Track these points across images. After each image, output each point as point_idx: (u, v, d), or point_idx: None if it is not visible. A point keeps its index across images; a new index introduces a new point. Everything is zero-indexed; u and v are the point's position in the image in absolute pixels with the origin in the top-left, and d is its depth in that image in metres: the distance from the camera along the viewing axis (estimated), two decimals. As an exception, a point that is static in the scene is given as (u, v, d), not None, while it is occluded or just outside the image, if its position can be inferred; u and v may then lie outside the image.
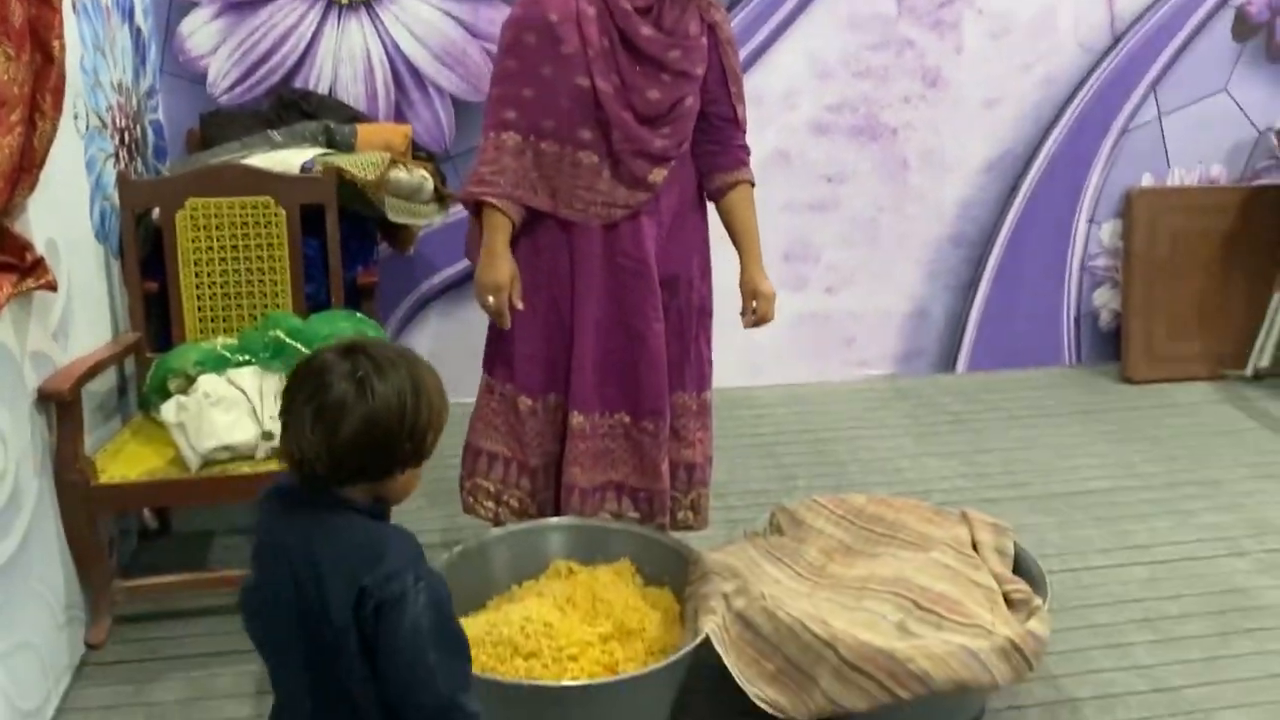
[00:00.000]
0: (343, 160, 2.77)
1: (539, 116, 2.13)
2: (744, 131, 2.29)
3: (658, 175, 2.19)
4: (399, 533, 1.26)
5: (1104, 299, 4.03)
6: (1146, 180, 3.91)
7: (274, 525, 1.28)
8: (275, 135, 2.98)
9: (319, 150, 2.91)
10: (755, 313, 2.27)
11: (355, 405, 1.19)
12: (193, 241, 2.62)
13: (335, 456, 1.19)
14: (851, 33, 3.60)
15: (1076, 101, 3.77)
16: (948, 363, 3.98)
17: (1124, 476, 3.11)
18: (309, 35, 3.27)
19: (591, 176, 2.16)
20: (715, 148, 2.27)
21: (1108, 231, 3.95)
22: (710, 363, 2.38)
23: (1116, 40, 3.73)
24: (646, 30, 2.11)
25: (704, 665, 1.96)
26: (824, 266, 3.81)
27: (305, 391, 1.21)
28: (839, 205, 3.76)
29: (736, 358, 3.52)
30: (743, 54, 3.31)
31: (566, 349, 2.26)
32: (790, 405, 3.69)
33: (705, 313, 2.35)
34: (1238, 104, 3.88)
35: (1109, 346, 4.04)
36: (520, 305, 2.20)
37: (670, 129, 2.18)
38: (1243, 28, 3.81)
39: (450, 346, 3.59)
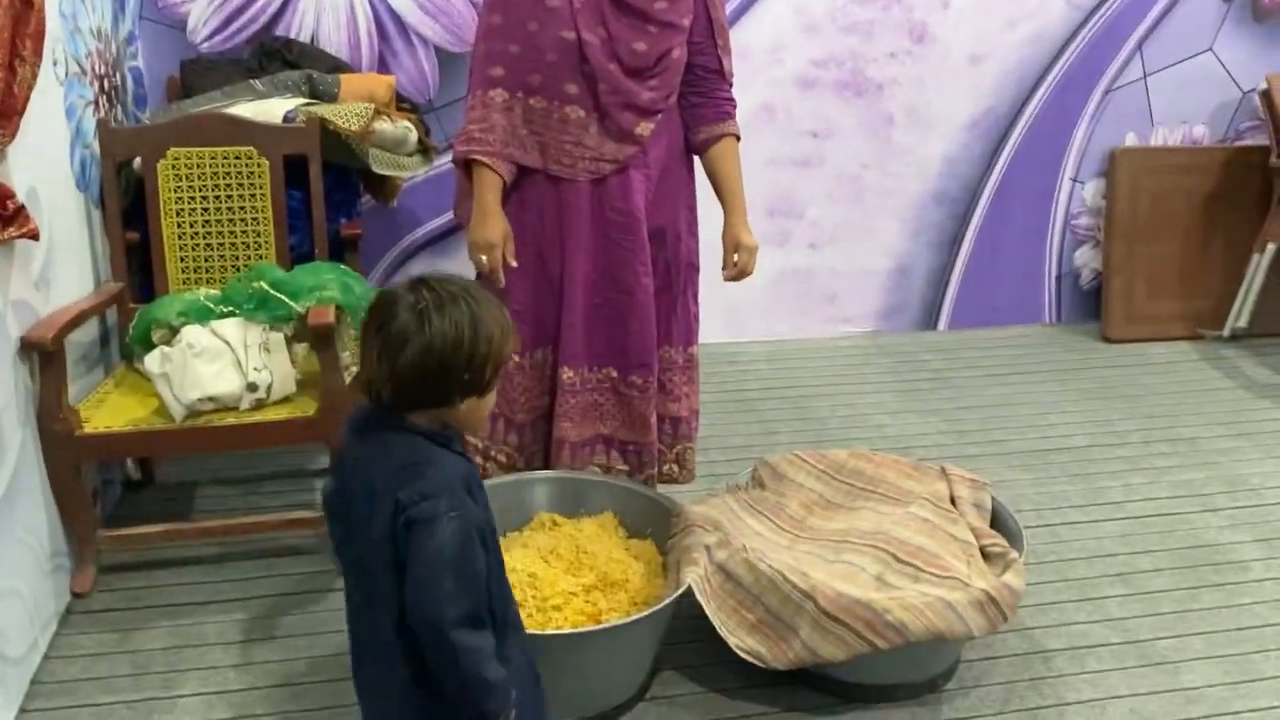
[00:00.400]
0: (326, 110, 2.74)
1: (526, 72, 2.12)
2: (730, 84, 2.28)
3: (645, 128, 2.18)
4: (448, 459, 1.33)
5: (1085, 258, 4.05)
6: (1130, 140, 3.92)
7: (349, 441, 1.39)
8: (257, 84, 2.94)
9: (302, 100, 2.87)
10: (736, 265, 2.27)
11: (414, 335, 1.27)
12: (174, 191, 2.60)
13: (397, 383, 1.29)
14: None
15: (1063, 59, 3.76)
16: (929, 320, 4.00)
17: (1101, 434, 3.16)
18: None
19: (579, 131, 2.16)
20: (700, 100, 2.27)
21: (1090, 191, 3.97)
22: (697, 318, 2.39)
23: (1104, -2, 3.73)
24: None
25: (686, 615, 2.00)
26: (807, 223, 3.82)
27: (374, 323, 1.31)
28: (823, 161, 3.76)
29: (720, 313, 3.53)
30: (729, 6, 3.31)
31: (555, 304, 2.26)
32: (773, 361, 3.71)
33: (693, 267, 2.36)
34: (1223, 64, 3.88)
35: (1089, 306, 4.08)
36: (514, 263, 2.20)
37: (657, 81, 2.17)
38: (1230, -13, 3.80)
39: (434, 300, 3.59)
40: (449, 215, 3.48)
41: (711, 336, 3.18)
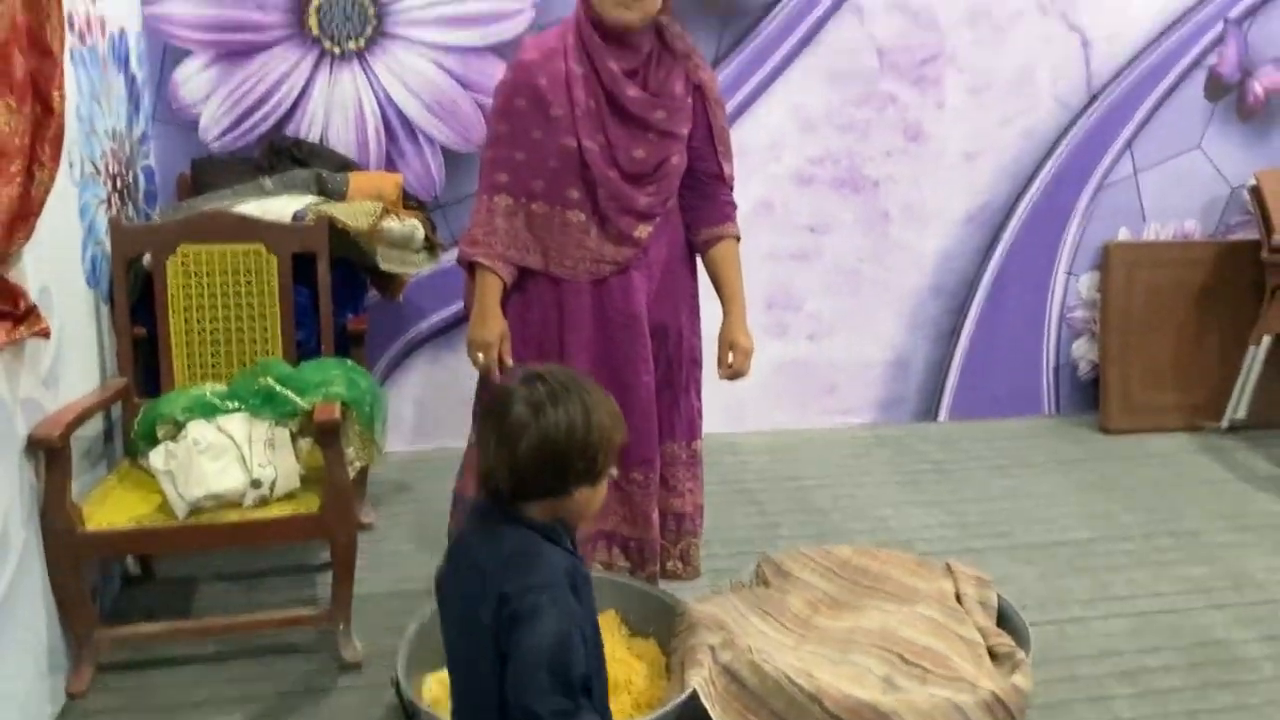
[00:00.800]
0: (335, 209, 2.80)
1: (529, 178, 2.18)
2: (731, 187, 2.34)
3: (644, 231, 2.23)
4: (556, 555, 1.40)
5: (1082, 350, 4.09)
6: (1123, 234, 3.99)
7: (465, 531, 1.49)
8: (267, 182, 3.00)
9: (311, 198, 2.93)
10: (731, 366, 2.30)
11: (530, 427, 1.36)
12: (183, 288, 2.64)
13: (514, 474, 1.37)
14: (835, 88, 3.67)
15: (1055, 156, 3.85)
16: (929, 411, 4.02)
17: (1104, 527, 3.15)
18: (301, 84, 3.30)
19: (580, 234, 2.20)
20: (702, 202, 2.32)
21: (1085, 284, 4.02)
22: (700, 413, 2.40)
23: (1093, 98, 3.83)
24: (633, 91, 2.16)
25: (692, 719, 1.97)
26: (806, 314, 3.86)
27: (492, 418, 1.38)
28: (821, 254, 3.82)
29: (720, 403, 3.54)
30: (728, 107, 3.38)
31: (556, 401, 2.28)
32: (773, 452, 3.72)
33: (695, 363, 2.38)
34: (1211, 161, 3.97)
35: (1087, 397, 4.10)
36: (510, 362, 2.23)
37: (655, 187, 2.23)
38: (1215, 88, 3.91)
39: (438, 392, 3.62)
40: (454, 307, 3.53)
41: (712, 427, 3.19)
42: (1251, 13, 3.87)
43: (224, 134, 3.29)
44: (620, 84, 2.16)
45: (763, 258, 3.70)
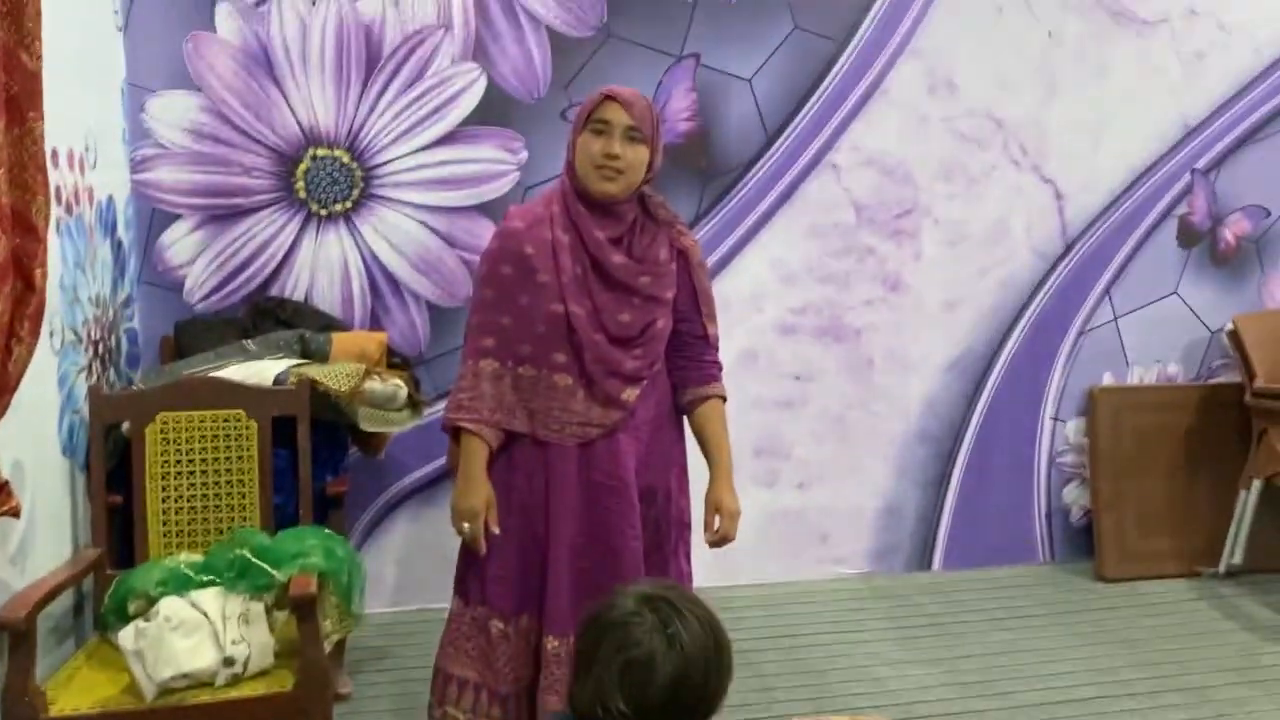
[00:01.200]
0: (317, 371, 2.79)
1: (516, 342, 2.18)
2: (715, 348, 2.33)
3: (631, 394, 2.22)
4: None
5: (1074, 496, 4.05)
6: (1107, 379, 4.00)
7: None
8: (250, 345, 3.00)
9: (293, 361, 2.93)
10: (718, 530, 2.25)
11: (665, 661, 1.22)
12: (161, 455, 2.59)
13: (641, 713, 1.22)
14: (814, 241, 3.73)
15: (1034, 304, 3.90)
16: (923, 560, 3.95)
17: (1107, 683, 3.05)
18: (287, 245, 3.33)
19: (566, 397, 2.19)
20: (687, 363, 2.31)
21: (1073, 429, 4.01)
22: (690, 577, 2.35)
23: (1069, 247, 3.90)
24: (618, 258, 2.18)
25: None
26: (795, 462, 3.83)
27: (611, 644, 1.25)
28: (807, 402, 3.81)
29: (710, 556, 3.46)
30: (710, 261, 3.42)
31: (540, 568, 2.22)
32: (766, 606, 3.63)
33: (684, 525, 2.34)
34: (1189, 306, 4.03)
35: (1081, 543, 4.04)
36: (496, 530, 2.18)
37: (642, 350, 2.22)
38: (1187, 235, 4.00)
39: (420, 551, 3.53)
40: (437, 463, 3.48)
41: (702, 580, 3.11)
42: (1217, 164, 3.99)
43: (208, 295, 3.30)
44: (605, 251, 2.18)
45: (749, 406, 3.69)
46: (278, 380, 2.78)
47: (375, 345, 3.12)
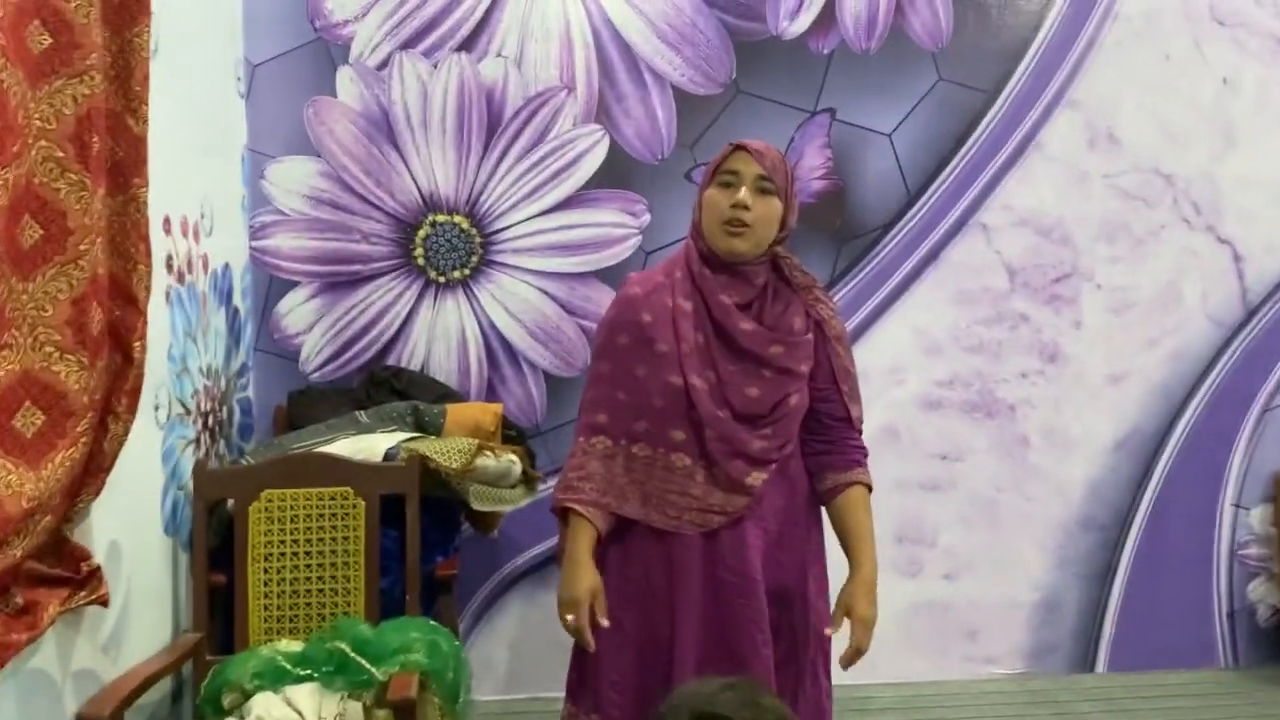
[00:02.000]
0: (428, 446, 2.64)
1: (631, 419, 1.98)
2: (859, 431, 2.09)
3: (757, 478, 1.98)
4: None
5: (1261, 593, 3.60)
6: (1297, 461, 3.57)
7: None
8: (362, 416, 2.89)
9: (405, 434, 2.80)
10: (849, 644, 1.96)
11: None
12: (265, 535, 2.47)
13: None
14: (962, 307, 3.45)
15: (1211, 377, 3.51)
16: (1085, 661, 3.55)
17: (1317, 822, 2.62)
18: (404, 313, 3.24)
19: (684, 480, 1.97)
20: (827, 447, 2.06)
21: (1258, 516, 3.58)
22: (830, 695, 2.08)
23: (1250, 314, 3.52)
24: (746, 325, 1.97)
25: None
26: (940, 551, 3.51)
27: None
28: (954, 485, 3.50)
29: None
30: (847, 329, 3.18)
31: (663, 676, 1.98)
32: (908, 709, 3.29)
33: (824, 635, 2.06)
34: (1393, 380, 3.57)
35: (1271, 646, 3.58)
36: (605, 622, 1.95)
37: (771, 429, 1.99)
38: (1390, 300, 3.56)
39: (533, 634, 3.33)
40: (551, 541, 3.26)
41: (839, 678, 2.85)
42: None
43: (324, 365, 3.22)
44: (733, 317, 1.96)
45: (890, 489, 3.38)
46: (388, 456, 2.65)
47: (490, 417, 2.98)
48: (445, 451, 2.63)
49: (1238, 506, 3.57)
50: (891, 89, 3.37)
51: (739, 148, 1.96)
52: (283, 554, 2.47)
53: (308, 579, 2.48)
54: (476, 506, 2.72)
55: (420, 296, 3.24)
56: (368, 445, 2.69)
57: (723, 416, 1.96)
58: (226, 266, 2.88)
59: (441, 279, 3.25)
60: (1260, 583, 3.61)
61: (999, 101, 3.40)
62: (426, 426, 2.89)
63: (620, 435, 1.99)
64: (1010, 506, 3.52)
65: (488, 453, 2.73)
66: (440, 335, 3.26)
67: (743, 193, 1.92)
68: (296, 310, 3.21)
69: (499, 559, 3.35)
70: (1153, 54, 3.44)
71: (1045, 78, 3.41)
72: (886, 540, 3.31)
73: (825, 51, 3.33)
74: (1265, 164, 3.50)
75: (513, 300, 3.28)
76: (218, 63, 2.89)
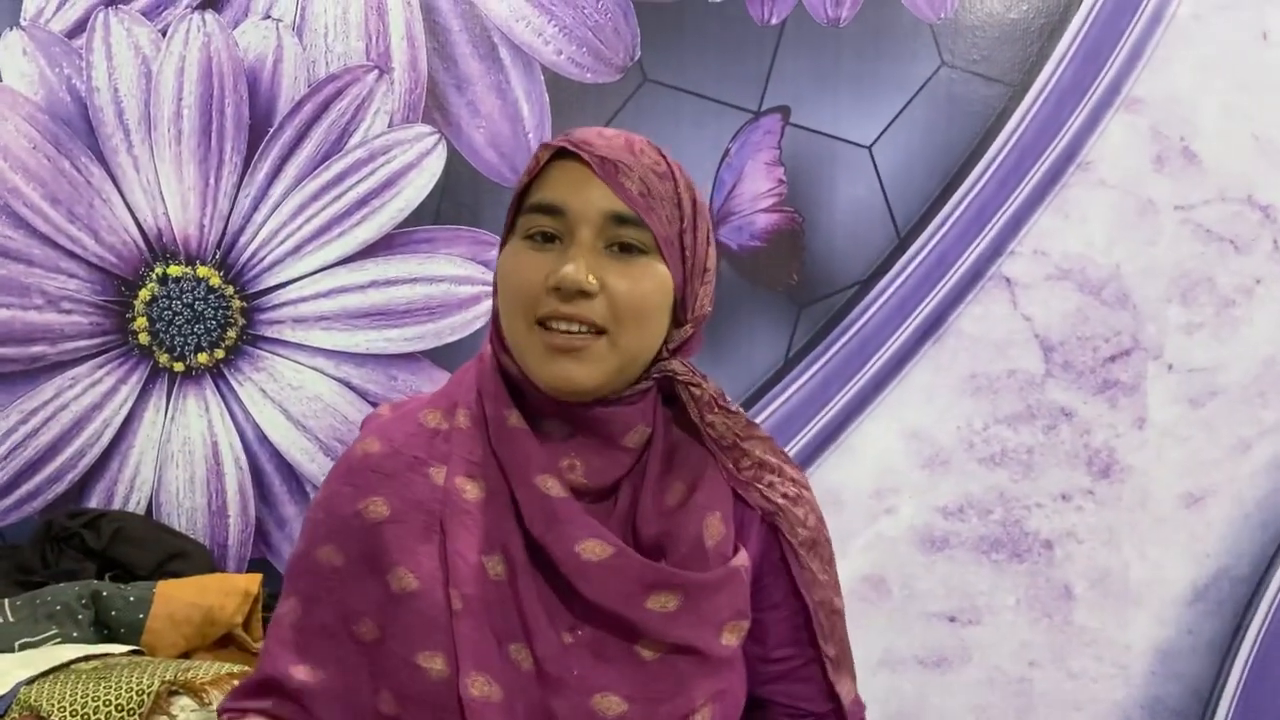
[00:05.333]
0: (62, 692, 1.51)
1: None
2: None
3: None
4: None
5: (1403, 807, 2.66)
6: None
7: None
8: (6, 608, 1.82)
9: (70, 647, 1.75)
10: None
11: None
12: None
13: None
14: (976, 400, 2.56)
15: (1329, 497, 2.62)
16: None
17: None
18: (119, 421, 2.25)
19: None
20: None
21: (1394, 694, 2.65)
22: None
23: (1382, 404, 2.61)
24: (596, 546, 1.13)
25: None
26: (947, 753, 2.57)
27: None
28: (967, 658, 2.61)
29: None
30: (807, 436, 2.59)
31: None
32: None
33: None
34: None
35: None
36: None
37: None
38: None
39: None
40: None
41: None
42: None
43: (-17, 505, 2.13)
44: (567, 527, 1.04)
45: (874, 666, 2.51)
46: (3, 700, 1.55)
47: (237, 598, 1.92)
48: (98, 698, 1.50)
49: (1365, 680, 2.64)
50: (873, 79, 2.49)
51: (563, 152, 1.04)
52: None
53: None
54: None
55: (144, 393, 2.25)
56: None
57: None
58: None
59: (179, 365, 2.25)
60: (1397, 787, 2.66)
61: (1028, 98, 2.54)
62: (113, 624, 1.84)
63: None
64: (1047, 688, 2.65)
65: (186, 693, 1.58)
66: (177, 454, 2.26)
67: (577, 264, 0.99)
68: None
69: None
70: (1245, 33, 2.61)
71: (1093, 66, 2.56)
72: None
73: (774, 22, 2.42)
74: (1394, 193, 2.64)
75: (294, 398, 2.28)
76: None
